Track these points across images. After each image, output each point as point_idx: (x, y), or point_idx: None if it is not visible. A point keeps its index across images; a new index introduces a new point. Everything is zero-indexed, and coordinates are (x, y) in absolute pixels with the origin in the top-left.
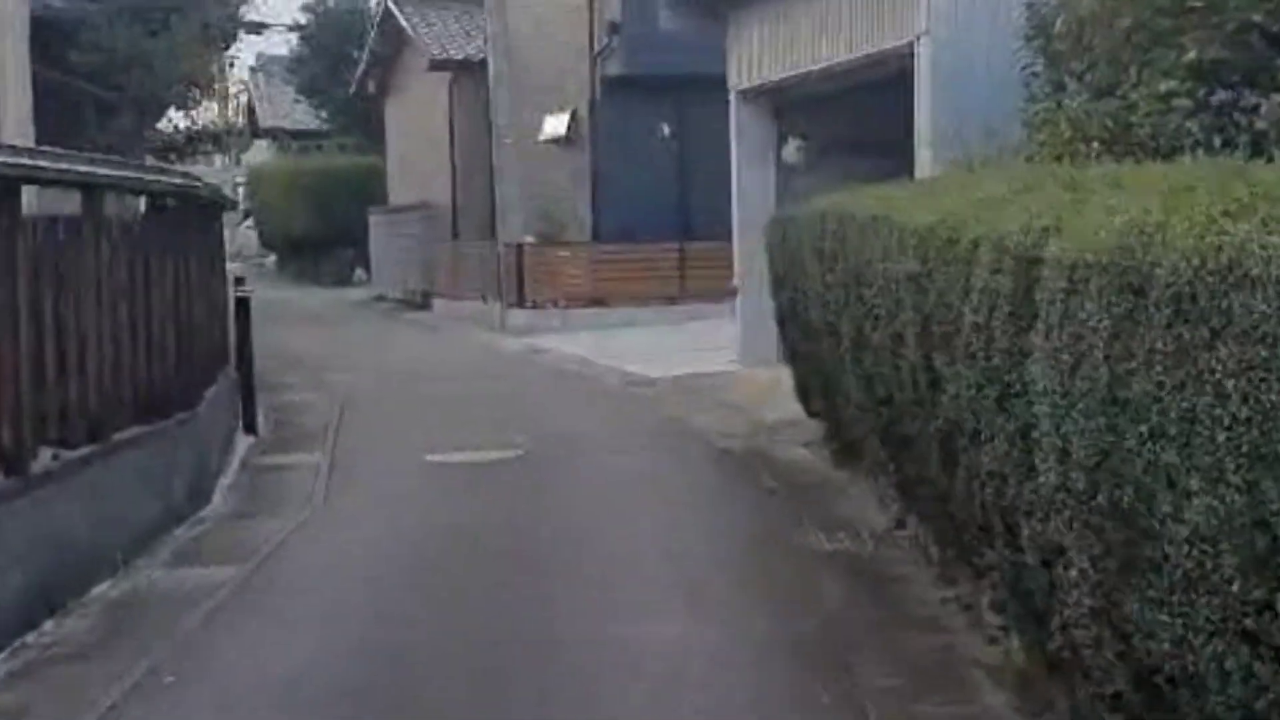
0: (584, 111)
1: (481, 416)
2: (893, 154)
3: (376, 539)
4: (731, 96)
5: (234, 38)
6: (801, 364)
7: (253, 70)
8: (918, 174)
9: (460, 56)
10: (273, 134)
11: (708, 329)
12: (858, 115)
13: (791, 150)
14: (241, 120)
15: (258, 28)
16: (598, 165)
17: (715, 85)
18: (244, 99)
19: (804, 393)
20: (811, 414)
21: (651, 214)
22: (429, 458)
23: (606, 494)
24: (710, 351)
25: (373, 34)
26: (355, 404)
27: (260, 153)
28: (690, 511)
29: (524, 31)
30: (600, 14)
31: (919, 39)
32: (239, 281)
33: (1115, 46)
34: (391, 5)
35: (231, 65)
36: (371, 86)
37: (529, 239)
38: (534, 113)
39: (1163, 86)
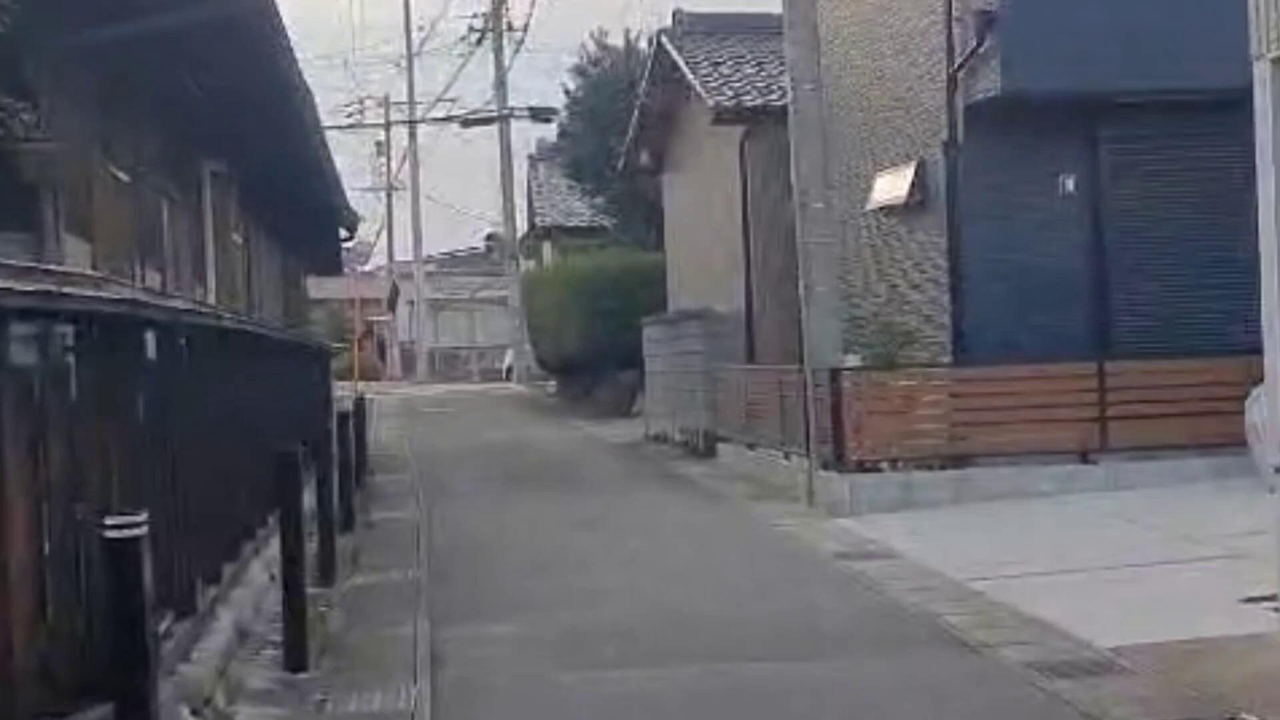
0: (937, 162)
1: None
2: None
3: None
4: (1256, 75)
5: None
6: None
7: (531, 161)
8: None
9: (755, 103)
10: (549, 233)
11: (1159, 508)
12: None
13: None
14: (524, 223)
15: (547, 114)
16: (960, 243)
17: (1158, 107)
18: (525, 198)
19: None
20: None
21: (1048, 317)
22: None
23: None
24: (1188, 565)
25: (643, 84)
26: None
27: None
28: None
29: (841, 53)
30: (965, 3)
31: None
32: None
33: None
34: (666, 42)
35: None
36: (645, 157)
37: (851, 360)
38: (859, 169)
39: None
